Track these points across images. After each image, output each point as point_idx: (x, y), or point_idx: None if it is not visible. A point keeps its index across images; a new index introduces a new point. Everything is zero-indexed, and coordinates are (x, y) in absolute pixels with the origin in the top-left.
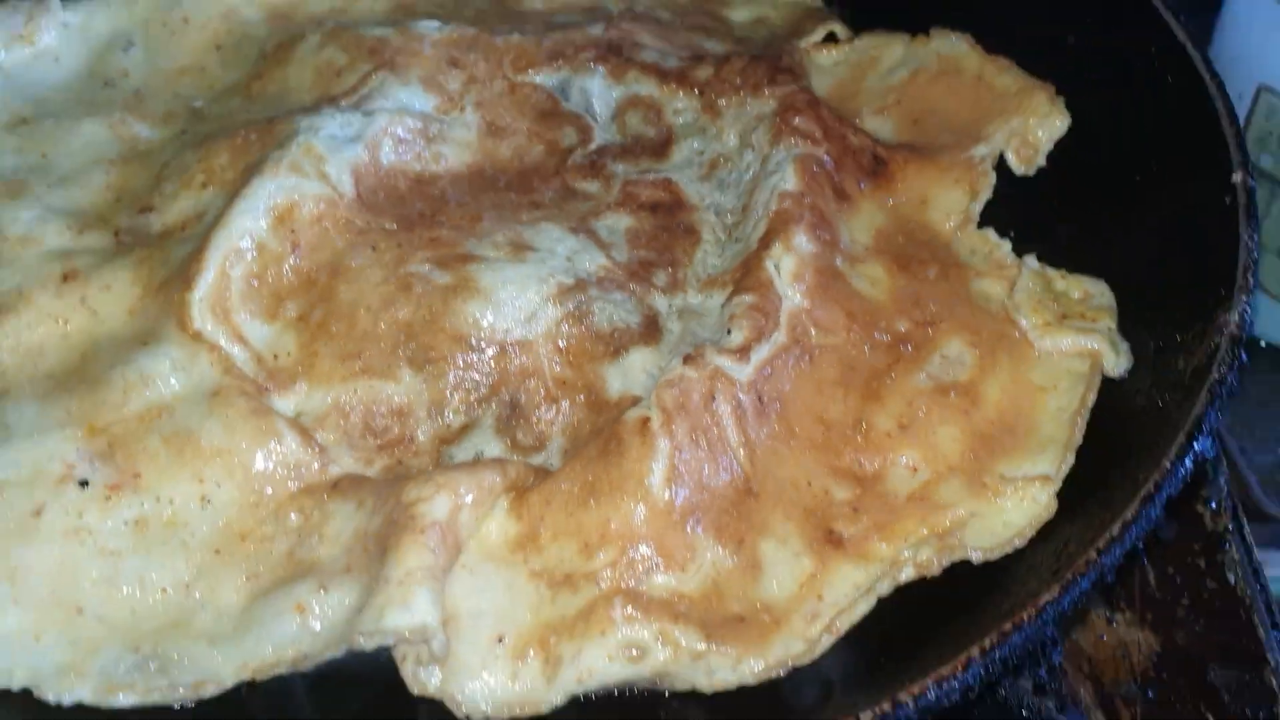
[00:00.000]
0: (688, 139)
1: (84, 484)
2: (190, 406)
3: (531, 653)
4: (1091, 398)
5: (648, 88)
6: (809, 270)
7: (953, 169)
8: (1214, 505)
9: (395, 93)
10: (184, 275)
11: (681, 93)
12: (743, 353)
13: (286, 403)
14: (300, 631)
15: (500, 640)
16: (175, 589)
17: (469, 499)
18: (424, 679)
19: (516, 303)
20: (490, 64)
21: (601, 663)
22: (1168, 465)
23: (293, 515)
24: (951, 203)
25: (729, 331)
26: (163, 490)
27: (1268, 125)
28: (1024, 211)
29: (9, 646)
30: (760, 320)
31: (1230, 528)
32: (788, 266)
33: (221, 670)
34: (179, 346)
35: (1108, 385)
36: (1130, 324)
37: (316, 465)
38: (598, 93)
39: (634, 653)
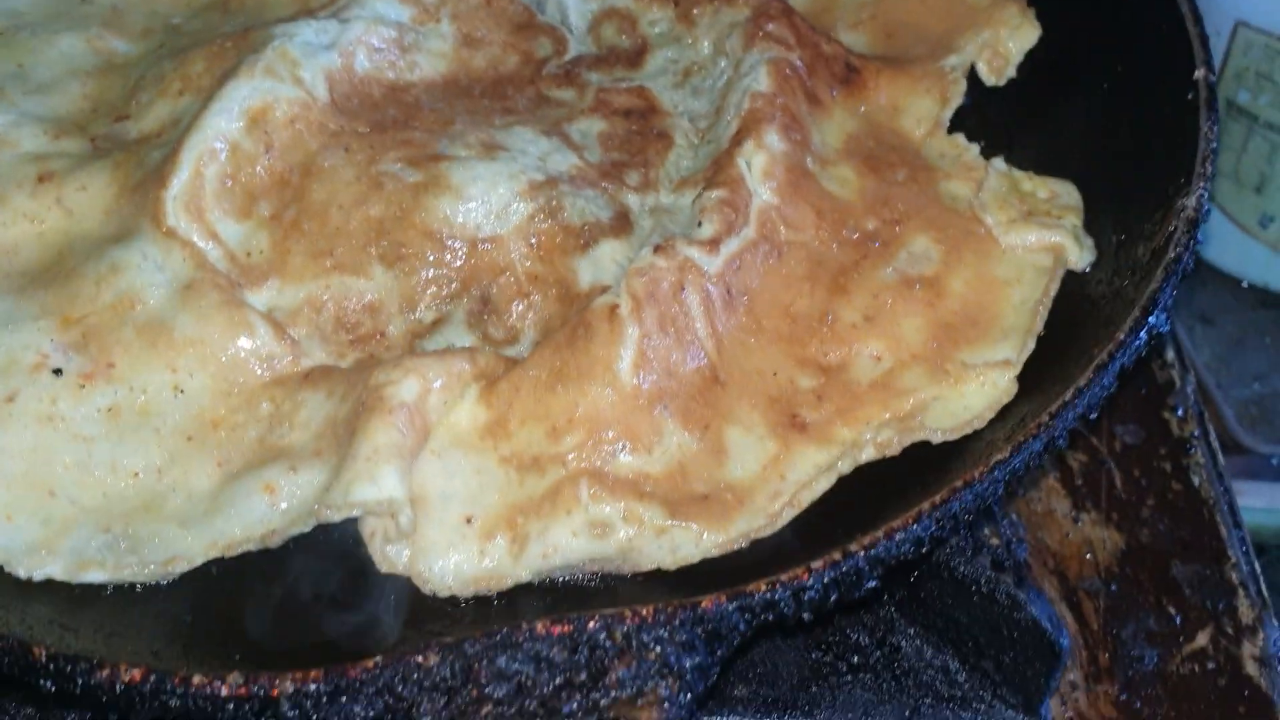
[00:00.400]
0: (662, 49)
1: (58, 372)
2: (163, 298)
3: (499, 533)
4: (1054, 289)
5: (623, 0)
6: (780, 168)
7: (924, 78)
8: (1180, 412)
9: (372, 3)
10: (159, 174)
11: (656, 5)
12: (712, 245)
13: (259, 298)
14: (269, 511)
15: (469, 521)
16: (147, 474)
17: (438, 384)
18: (392, 557)
19: (487, 199)
20: None
21: (566, 539)
22: (1121, 336)
23: (264, 404)
24: (922, 110)
25: (699, 224)
26: (136, 379)
27: (1244, 61)
28: (993, 120)
29: None
30: (730, 214)
31: (1196, 433)
32: (759, 164)
33: (191, 549)
34: (153, 242)
35: (1070, 277)
36: (1094, 220)
37: (289, 357)
38: (573, 5)
39: (599, 530)
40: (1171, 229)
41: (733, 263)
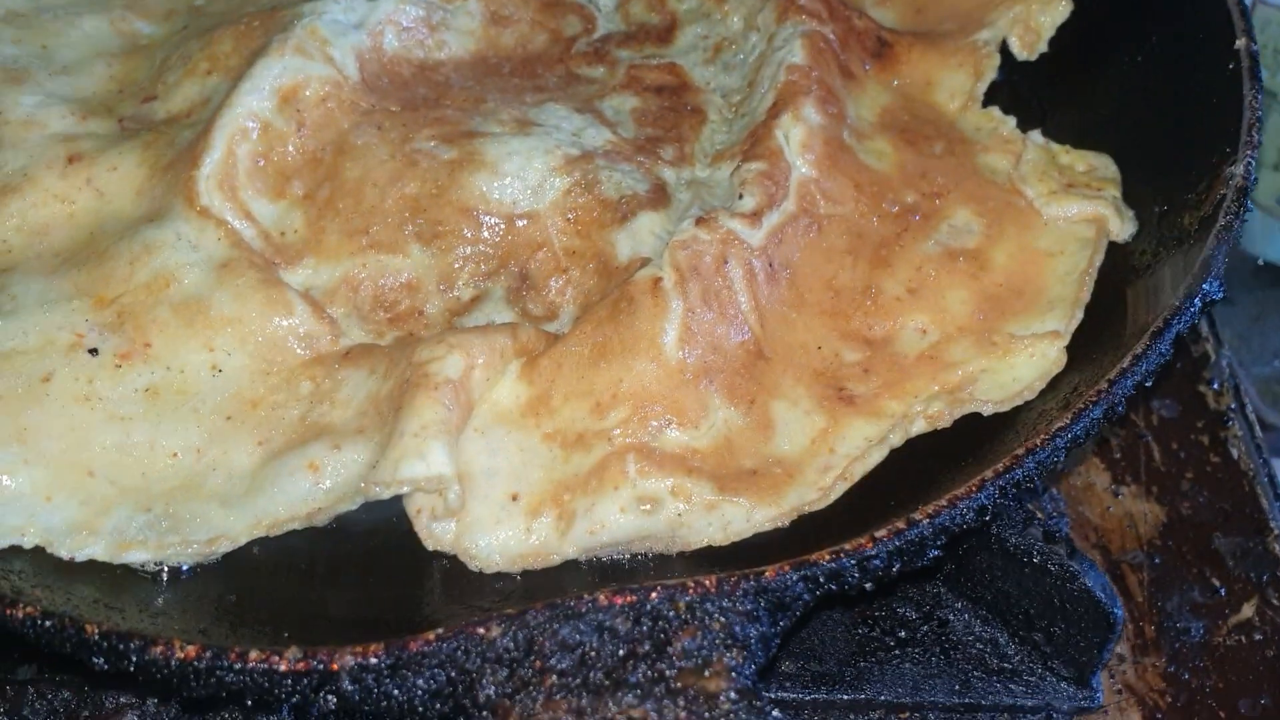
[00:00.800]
0: (692, 25)
1: (94, 352)
2: (199, 277)
3: (546, 510)
4: (1098, 259)
5: None
6: (817, 141)
7: (957, 53)
8: (1216, 386)
9: None
10: (191, 154)
11: None
12: (754, 217)
13: (295, 278)
14: (313, 489)
15: (514, 498)
16: (186, 453)
17: (480, 360)
18: (438, 534)
19: (523, 174)
20: None
21: (614, 515)
22: (1177, 303)
23: (304, 383)
24: (956, 84)
25: (740, 196)
26: (173, 359)
27: (1262, 39)
28: (1026, 95)
29: (21, 505)
30: (770, 187)
31: (1233, 406)
32: (796, 136)
33: (234, 528)
34: (186, 222)
35: (1114, 249)
36: (1134, 191)
37: (328, 336)
38: None
39: (647, 506)
40: (1221, 196)
41: (774, 236)
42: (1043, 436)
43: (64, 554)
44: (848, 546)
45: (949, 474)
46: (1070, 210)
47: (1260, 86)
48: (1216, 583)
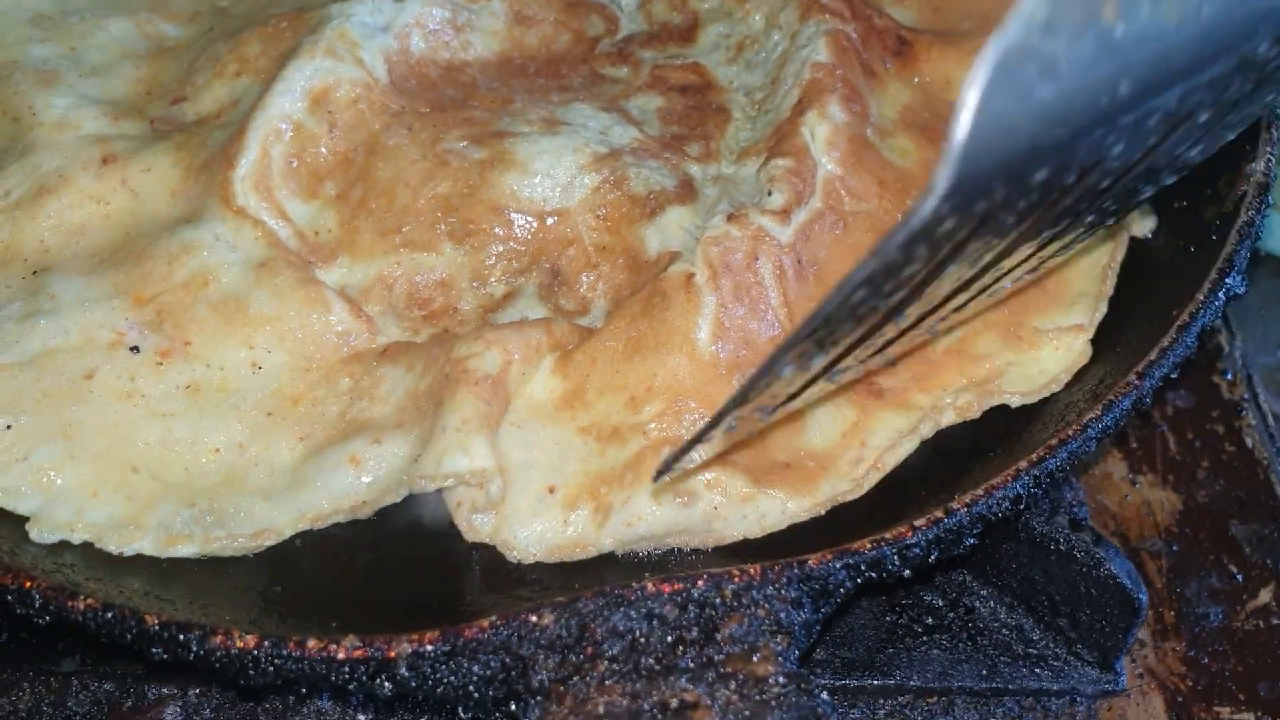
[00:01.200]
0: (714, 24)
1: (134, 350)
2: (237, 276)
3: (582, 502)
4: (1120, 254)
5: None
6: (842, 138)
7: (975, 52)
8: (1229, 376)
9: None
10: (226, 155)
11: None
12: (784, 214)
13: (330, 276)
14: (355, 483)
15: (551, 490)
16: (228, 449)
17: (517, 356)
18: (478, 526)
19: (553, 172)
20: None
21: (650, 508)
22: (1201, 297)
23: (344, 380)
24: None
25: (769, 193)
26: (213, 357)
27: None
28: None
29: (68, 501)
30: (798, 184)
31: (1246, 396)
32: (822, 134)
33: (278, 521)
34: (223, 222)
35: (1135, 244)
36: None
37: (365, 334)
38: None
39: (683, 499)
40: (1242, 192)
41: (802, 233)
42: (1075, 427)
43: (112, 549)
44: (889, 535)
45: (978, 465)
46: None
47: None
48: (1234, 569)
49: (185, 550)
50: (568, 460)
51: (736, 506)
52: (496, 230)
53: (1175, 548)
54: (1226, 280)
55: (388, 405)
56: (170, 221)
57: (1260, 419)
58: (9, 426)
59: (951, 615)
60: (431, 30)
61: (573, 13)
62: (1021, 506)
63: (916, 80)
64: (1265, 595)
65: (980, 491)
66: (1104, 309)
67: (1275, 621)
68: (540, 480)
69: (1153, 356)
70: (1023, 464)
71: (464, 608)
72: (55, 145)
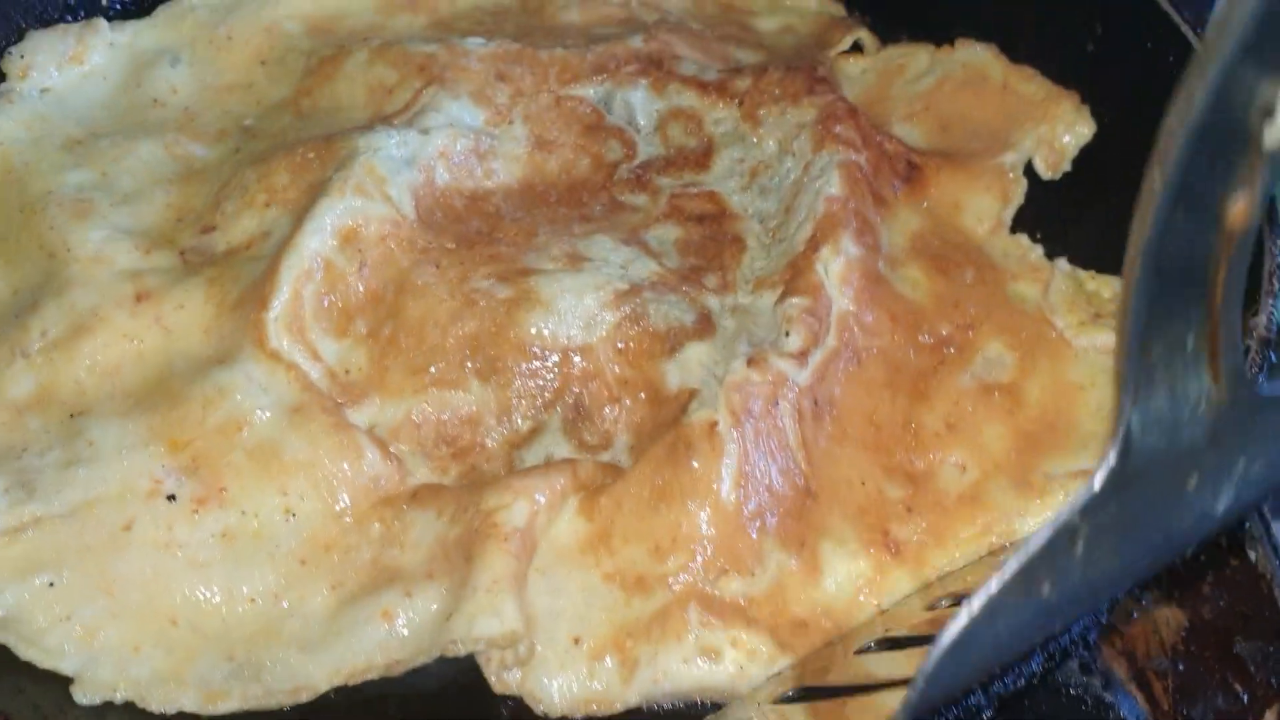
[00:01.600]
0: (728, 148)
1: (171, 498)
2: (271, 421)
3: (609, 655)
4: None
5: (689, 100)
6: (855, 274)
7: (983, 175)
8: (1200, 558)
9: (447, 107)
10: (259, 295)
11: (721, 103)
12: (802, 356)
13: (360, 416)
14: (388, 637)
15: (577, 642)
16: (264, 598)
17: (542, 502)
18: (507, 679)
19: (576, 311)
20: (536, 77)
21: (677, 665)
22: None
23: (375, 525)
24: (983, 208)
25: (786, 334)
26: (248, 503)
27: None
28: (1049, 212)
29: (111, 659)
30: (814, 324)
31: None
32: (836, 269)
33: (314, 676)
34: (257, 363)
35: None
36: None
37: (396, 477)
38: (640, 105)
39: (711, 656)
40: (1246, 346)
41: (818, 373)
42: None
43: (154, 708)
44: None
45: None
46: (1099, 340)
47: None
48: (1239, 688)
49: (226, 707)
50: (594, 609)
51: (762, 668)
52: (522, 367)
53: (1181, 667)
54: None
55: (418, 553)
56: (203, 359)
57: (1264, 530)
58: (52, 585)
59: None
60: (456, 161)
61: (592, 137)
62: (1035, 681)
63: (925, 205)
64: (1271, 716)
65: (996, 670)
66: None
67: None
68: (567, 630)
69: None
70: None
71: None
72: (90, 282)
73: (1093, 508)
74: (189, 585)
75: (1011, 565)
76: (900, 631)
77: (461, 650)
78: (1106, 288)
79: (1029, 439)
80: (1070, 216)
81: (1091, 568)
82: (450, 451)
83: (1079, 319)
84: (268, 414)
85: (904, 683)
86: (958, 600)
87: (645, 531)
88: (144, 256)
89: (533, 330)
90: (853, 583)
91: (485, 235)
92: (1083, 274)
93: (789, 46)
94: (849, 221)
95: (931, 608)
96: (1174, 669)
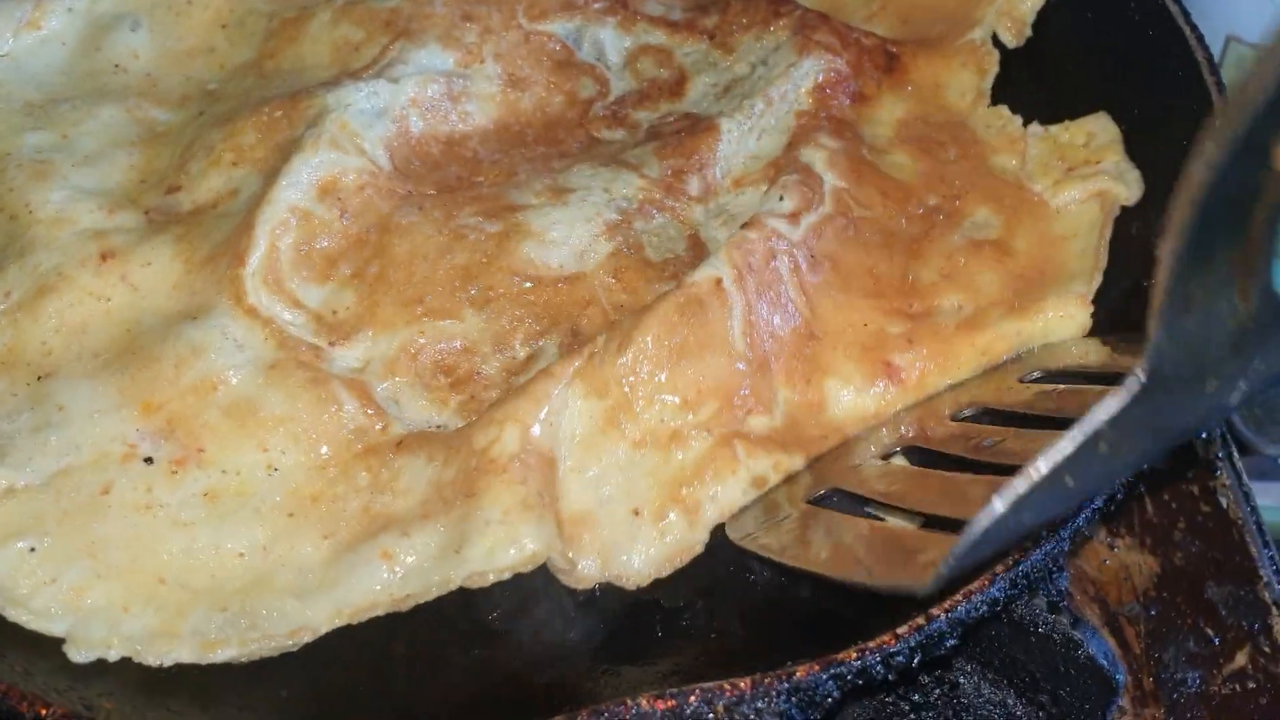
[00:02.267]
0: (701, 75)
1: (148, 461)
2: (247, 379)
3: (670, 511)
4: (1109, 230)
5: (658, 37)
6: (841, 159)
7: (958, 54)
8: (1204, 435)
9: (415, 57)
10: (234, 251)
11: (691, 39)
12: (794, 217)
13: (354, 352)
14: (390, 576)
15: (637, 513)
16: (252, 553)
17: (538, 416)
18: (584, 574)
19: (568, 241)
20: (504, 14)
21: (737, 497)
22: None
23: (362, 474)
24: (964, 83)
25: (780, 199)
26: (228, 462)
27: (1236, 74)
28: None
29: (101, 619)
30: (807, 192)
31: (1221, 455)
32: (820, 158)
33: (314, 619)
34: (233, 319)
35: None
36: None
37: (379, 425)
38: (610, 43)
39: (759, 484)
40: None
41: (813, 232)
42: (1048, 529)
43: (151, 661)
44: (872, 645)
45: None
46: (1074, 194)
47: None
48: (1210, 632)
49: (225, 654)
50: (637, 478)
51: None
52: (516, 296)
53: (1153, 612)
54: None
55: (411, 498)
56: (173, 315)
57: (1235, 478)
58: (33, 550)
59: (937, 692)
60: (429, 107)
61: (563, 74)
62: (999, 608)
63: (909, 89)
64: (1241, 658)
65: (958, 597)
66: (1099, 278)
67: (1251, 685)
68: (622, 508)
69: None
70: (998, 569)
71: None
72: (53, 242)
73: (1118, 418)
74: (174, 544)
75: (1040, 468)
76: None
77: (484, 582)
78: (1080, 133)
79: (1020, 279)
80: (1037, 77)
81: (1112, 461)
82: (448, 381)
83: (1054, 179)
84: (243, 371)
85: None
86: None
87: (669, 389)
88: (107, 216)
89: (525, 259)
90: (858, 411)
91: (465, 180)
92: (1055, 129)
93: None
94: (821, 125)
95: (955, 417)
96: (1145, 614)
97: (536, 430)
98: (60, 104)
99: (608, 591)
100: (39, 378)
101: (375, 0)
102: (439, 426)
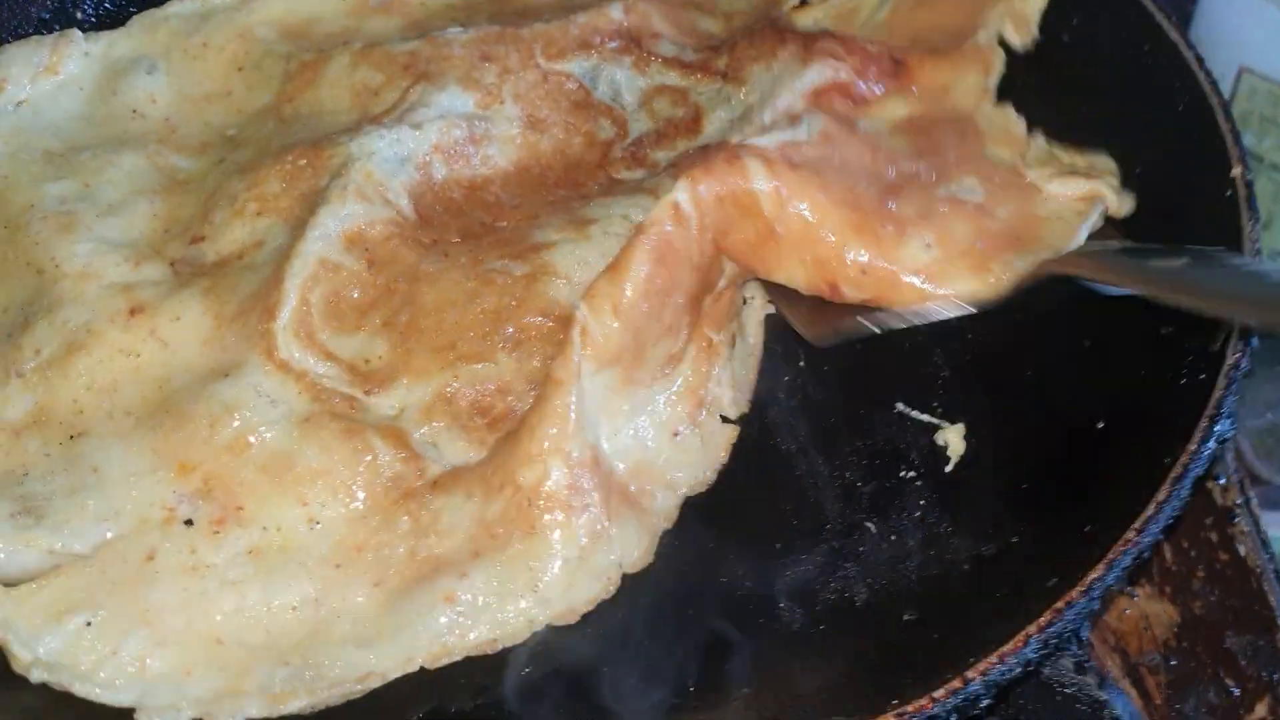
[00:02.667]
0: (716, 110)
1: (189, 523)
2: (282, 434)
3: (699, 413)
4: (1093, 224)
5: (672, 79)
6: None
7: (964, 57)
8: (1223, 481)
9: (436, 99)
10: (264, 305)
11: (704, 79)
12: (766, 129)
13: (389, 400)
14: (455, 619)
15: (676, 434)
16: (304, 606)
17: (571, 430)
18: (662, 509)
19: (594, 275)
20: (521, 54)
21: (736, 370)
22: (1193, 447)
23: (403, 520)
24: (969, 84)
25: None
26: (268, 518)
27: (1249, 105)
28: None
29: (166, 685)
30: (792, 117)
31: (1239, 502)
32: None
33: (382, 665)
34: (265, 375)
35: (1127, 371)
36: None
37: (414, 470)
38: (625, 83)
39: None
40: (1227, 333)
41: (794, 149)
42: (1079, 589)
43: None
44: (910, 709)
45: (993, 619)
46: (1069, 188)
47: (1257, 217)
48: (1230, 683)
49: (294, 705)
50: (659, 409)
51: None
52: (548, 334)
53: (1173, 662)
54: (1216, 428)
55: (455, 538)
56: (204, 372)
57: (1253, 525)
58: (89, 624)
59: None
60: (452, 152)
61: (582, 114)
62: (1032, 669)
63: (915, 89)
64: (1261, 709)
65: (994, 659)
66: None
67: None
68: (663, 437)
69: (1150, 511)
70: (1031, 629)
71: None
72: (81, 298)
73: None
74: (225, 604)
75: None
76: None
77: (576, 616)
78: (1080, 159)
79: (995, 238)
80: (1045, 93)
81: None
82: (485, 422)
83: (1050, 173)
84: (277, 426)
85: None
86: None
87: (663, 325)
88: (134, 269)
89: (553, 299)
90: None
91: (488, 226)
92: (1059, 148)
93: (744, 11)
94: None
95: None
96: (1166, 664)
97: (573, 447)
98: (81, 152)
99: None
100: (71, 437)
101: (393, 44)
102: None
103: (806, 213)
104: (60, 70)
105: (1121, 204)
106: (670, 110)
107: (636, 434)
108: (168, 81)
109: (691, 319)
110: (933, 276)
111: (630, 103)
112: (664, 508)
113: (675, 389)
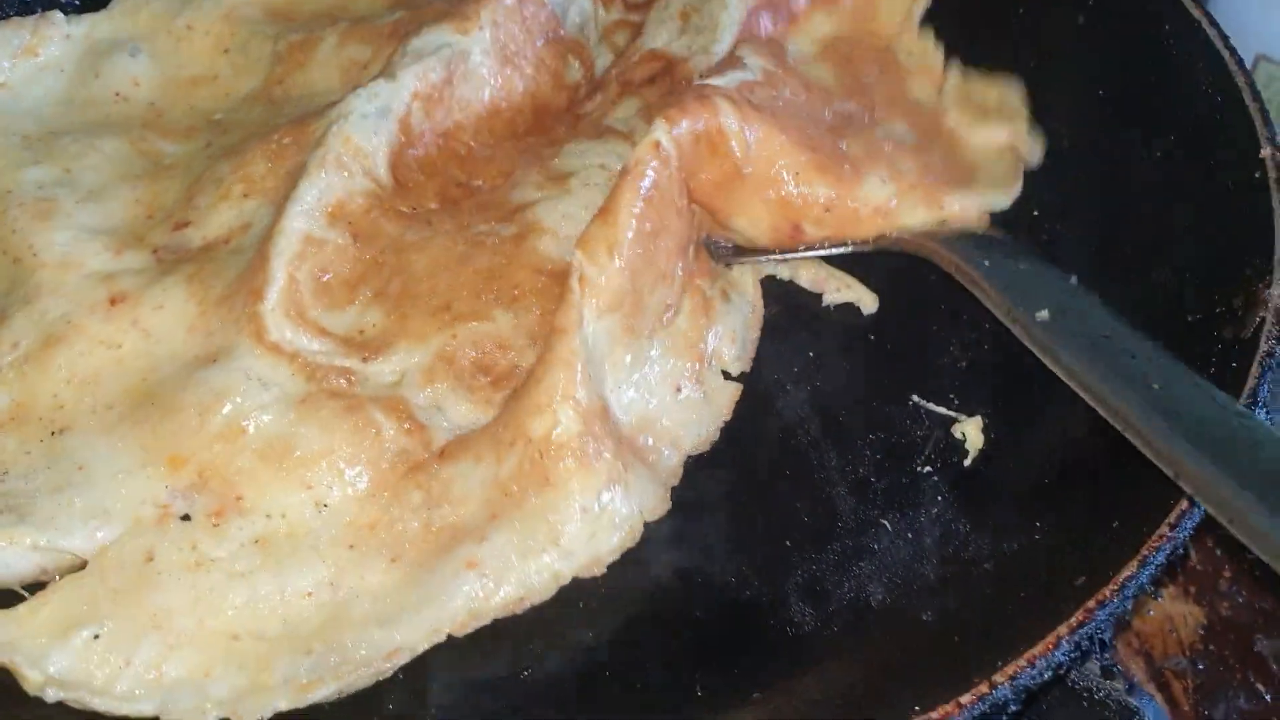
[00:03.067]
0: (656, 10)
1: (185, 518)
2: (277, 417)
3: (699, 369)
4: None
5: (630, 16)
6: (765, 55)
7: None
8: None
9: (415, 45)
10: (250, 287)
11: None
12: (719, 71)
13: (388, 365)
14: (483, 584)
15: (679, 389)
16: (320, 590)
17: (579, 376)
18: (668, 466)
19: (580, 231)
20: None
21: (733, 323)
22: None
23: (414, 493)
24: (895, 6)
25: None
26: (271, 505)
27: (1266, 94)
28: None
29: (187, 689)
30: (737, 61)
31: None
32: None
33: (407, 640)
34: (256, 358)
35: None
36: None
37: (419, 441)
38: (590, 14)
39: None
40: (1261, 319)
41: (749, 89)
42: (1112, 587)
43: (251, 718)
44: (935, 715)
45: (1018, 620)
46: (987, 137)
47: None
48: (1261, 688)
49: (322, 693)
50: (659, 361)
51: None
52: (543, 289)
53: (1201, 666)
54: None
55: (470, 504)
56: (190, 360)
57: None
58: (97, 637)
59: None
60: (430, 98)
61: (552, 50)
62: (1063, 671)
63: (841, 3)
64: None
65: (1023, 663)
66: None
67: None
68: (667, 391)
69: (1184, 505)
70: (1062, 630)
71: None
72: (60, 288)
73: None
74: (236, 597)
75: None
76: None
77: (599, 570)
78: (993, 89)
79: (939, 174)
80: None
81: None
82: (488, 380)
83: (968, 118)
84: (272, 410)
85: None
86: None
87: (649, 264)
88: (115, 257)
89: (544, 254)
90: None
91: (464, 186)
92: (973, 75)
93: None
94: (749, 41)
95: None
96: (1193, 668)
97: (582, 395)
98: (61, 137)
99: None
100: (52, 433)
101: (378, 18)
102: None
103: (771, 151)
104: (41, 52)
105: (1034, 151)
106: (625, 41)
107: (639, 389)
108: (151, 64)
109: (684, 266)
110: (892, 211)
111: (592, 37)
112: (669, 464)
113: (674, 342)
